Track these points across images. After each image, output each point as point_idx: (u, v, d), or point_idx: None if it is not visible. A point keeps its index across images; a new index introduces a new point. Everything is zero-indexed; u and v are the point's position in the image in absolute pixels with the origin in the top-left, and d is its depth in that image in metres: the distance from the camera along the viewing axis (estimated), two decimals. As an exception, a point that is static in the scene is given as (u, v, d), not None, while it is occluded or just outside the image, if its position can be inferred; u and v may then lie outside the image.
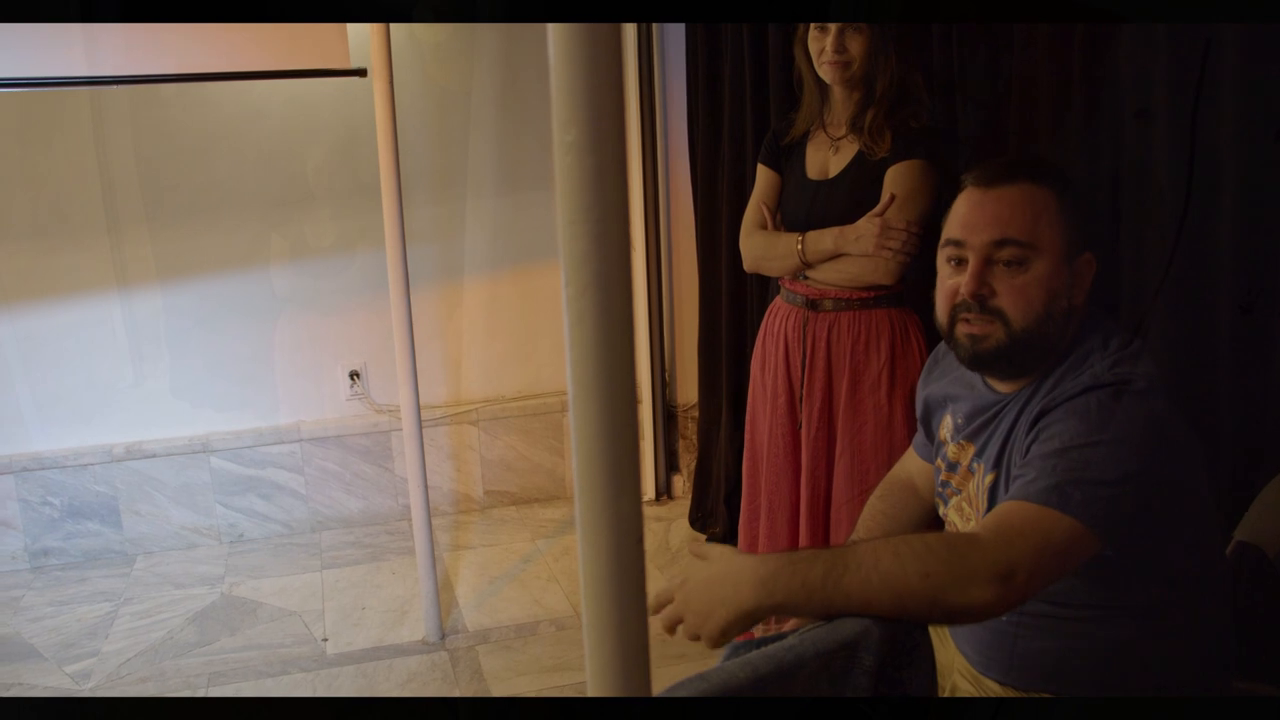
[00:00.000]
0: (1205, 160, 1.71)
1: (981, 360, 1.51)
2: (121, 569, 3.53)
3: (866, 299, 2.30)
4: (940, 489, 1.66)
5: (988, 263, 1.47)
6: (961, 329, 1.51)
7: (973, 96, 2.29)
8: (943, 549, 1.27)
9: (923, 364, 2.27)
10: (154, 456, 3.60)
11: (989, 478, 1.51)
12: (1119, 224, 1.89)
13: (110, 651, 3.02)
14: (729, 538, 3.47)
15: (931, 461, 1.73)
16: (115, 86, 3.28)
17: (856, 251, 2.24)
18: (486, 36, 3.63)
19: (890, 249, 2.20)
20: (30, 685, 2.85)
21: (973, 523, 1.55)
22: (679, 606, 1.29)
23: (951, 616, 1.29)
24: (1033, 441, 1.40)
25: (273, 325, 3.66)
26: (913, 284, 2.29)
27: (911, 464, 1.85)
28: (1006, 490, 1.45)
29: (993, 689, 1.55)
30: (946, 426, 1.67)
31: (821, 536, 2.40)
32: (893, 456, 2.25)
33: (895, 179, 2.23)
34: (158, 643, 3.06)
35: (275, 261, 3.61)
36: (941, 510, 1.67)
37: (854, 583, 1.23)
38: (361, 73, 2.79)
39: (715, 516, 3.58)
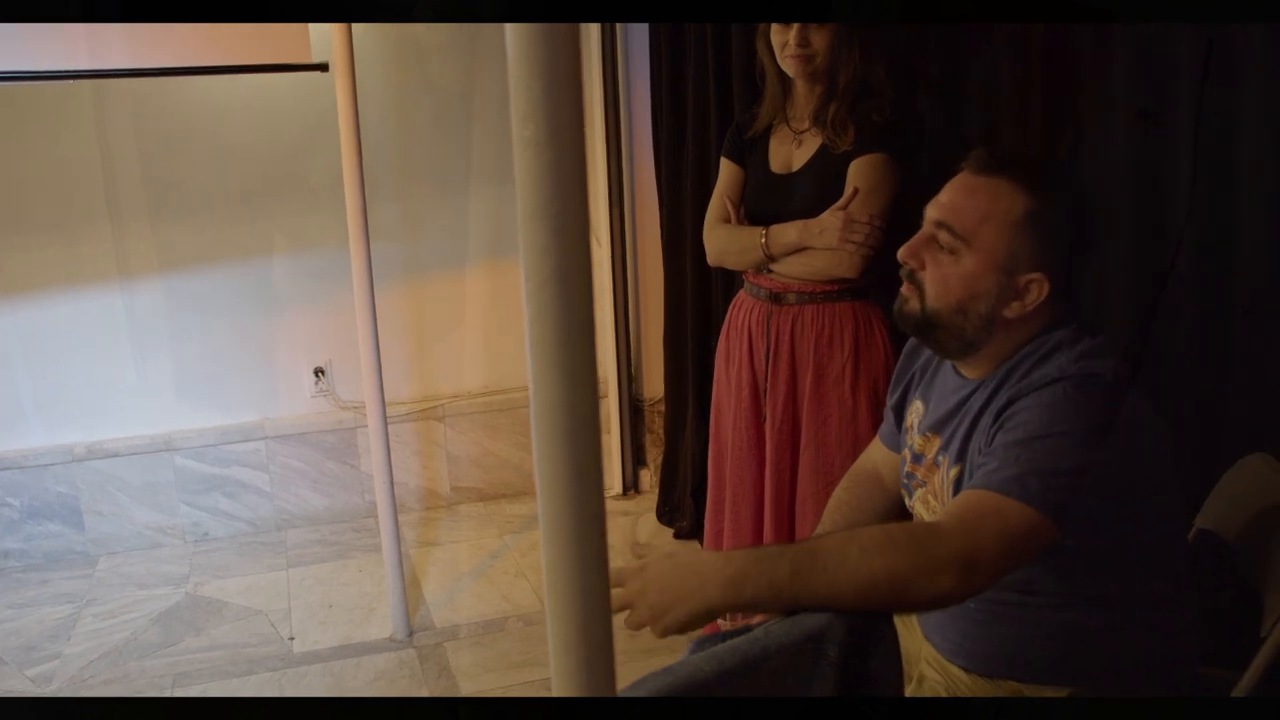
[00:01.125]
0: (1208, 160, 1.71)
1: (904, 321, 1.57)
2: (84, 570, 3.50)
3: (830, 292, 2.30)
4: (905, 480, 1.67)
5: (930, 238, 1.50)
6: (901, 288, 1.56)
7: (959, 99, 2.29)
8: (906, 540, 1.28)
9: (886, 357, 2.29)
10: (116, 456, 3.56)
11: (954, 471, 1.52)
12: (1121, 224, 1.90)
13: (72, 654, 2.98)
14: (696, 532, 3.47)
15: (898, 451, 1.74)
16: (72, 81, 3.24)
17: (820, 245, 2.25)
18: (458, 33, 3.61)
19: (853, 242, 2.21)
20: (-9, 689, 2.82)
21: (939, 515, 1.56)
22: (631, 593, 1.28)
23: (916, 605, 1.31)
24: (997, 431, 1.42)
25: (236, 322, 3.63)
26: (876, 278, 2.30)
27: (877, 454, 1.86)
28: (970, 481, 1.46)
29: (959, 677, 1.56)
30: (915, 412, 1.68)
31: (786, 530, 2.40)
32: (857, 449, 2.25)
33: (858, 173, 2.24)
34: (121, 644, 3.03)
35: (238, 258, 3.58)
36: (908, 502, 1.68)
37: (821, 580, 1.24)
38: (323, 67, 2.77)
39: (682, 510, 3.59)
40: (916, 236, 1.52)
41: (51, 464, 3.51)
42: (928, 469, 1.61)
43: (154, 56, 2.70)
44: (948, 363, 1.62)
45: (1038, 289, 1.46)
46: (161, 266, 3.52)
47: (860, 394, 2.30)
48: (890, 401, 1.80)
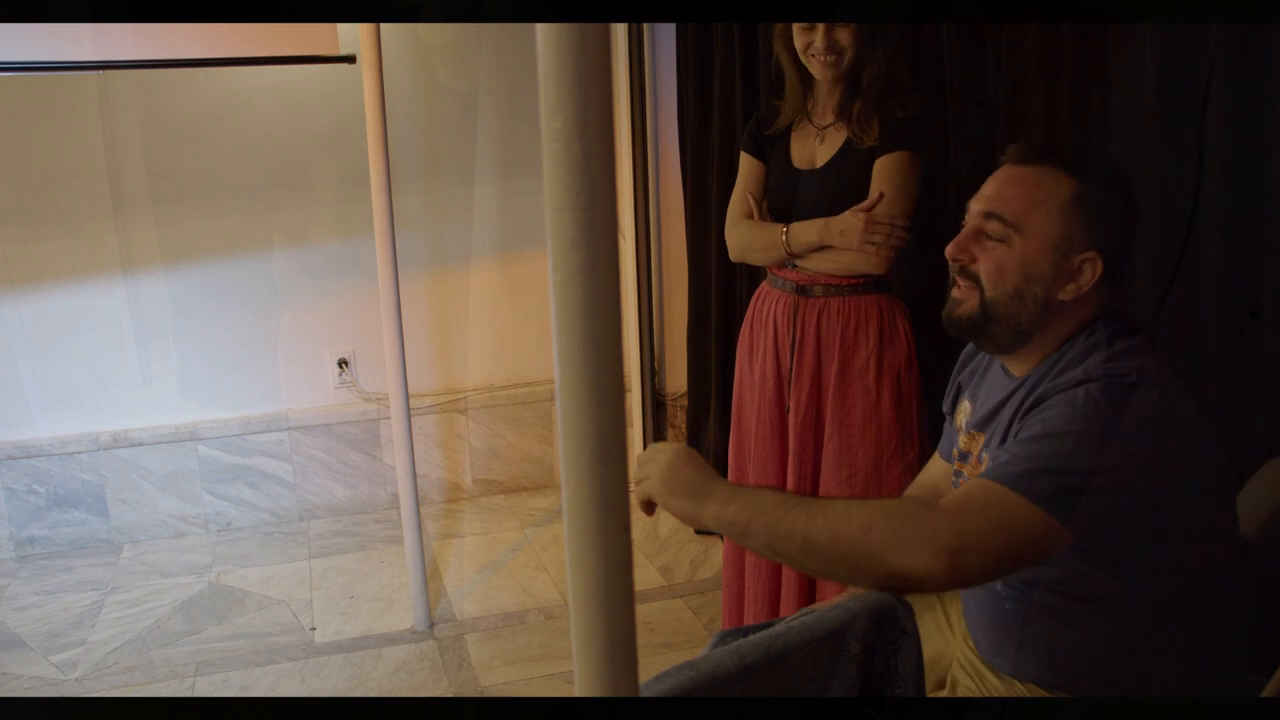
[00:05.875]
0: (1213, 161, 1.70)
1: (957, 325, 1.54)
2: (108, 558, 3.52)
3: (856, 285, 2.29)
4: (955, 480, 1.65)
5: (977, 231, 1.50)
6: (952, 291, 1.55)
7: (978, 96, 2.28)
8: (894, 509, 1.29)
9: (909, 350, 2.29)
10: (141, 445, 3.59)
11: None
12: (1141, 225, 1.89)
13: (97, 641, 3.01)
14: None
15: (949, 457, 1.72)
16: (101, 71, 3.26)
17: (841, 245, 2.24)
18: (477, 26, 3.61)
19: (874, 244, 2.20)
20: (15, 675, 2.84)
21: None
22: (646, 464, 1.38)
23: (894, 578, 1.27)
24: (1020, 428, 1.40)
25: (261, 313, 3.65)
26: (898, 273, 2.30)
27: (935, 469, 1.82)
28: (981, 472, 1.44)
29: (992, 681, 1.54)
30: (964, 412, 1.67)
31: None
32: (880, 440, 2.26)
33: (883, 173, 2.22)
34: (144, 632, 3.05)
35: (263, 249, 3.60)
36: None
37: (800, 516, 1.26)
38: (351, 59, 2.77)
39: (704, 505, 3.58)
40: (963, 233, 1.51)
41: (77, 452, 3.53)
42: (973, 466, 1.59)
43: (177, 48, 2.71)
44: (998, 363, 1.60)
45: (1091, 269, 1.45)
46: (186, 257, 3.54)
47: (884, 386, 2.29)
48: (945, 406, 1.78)
